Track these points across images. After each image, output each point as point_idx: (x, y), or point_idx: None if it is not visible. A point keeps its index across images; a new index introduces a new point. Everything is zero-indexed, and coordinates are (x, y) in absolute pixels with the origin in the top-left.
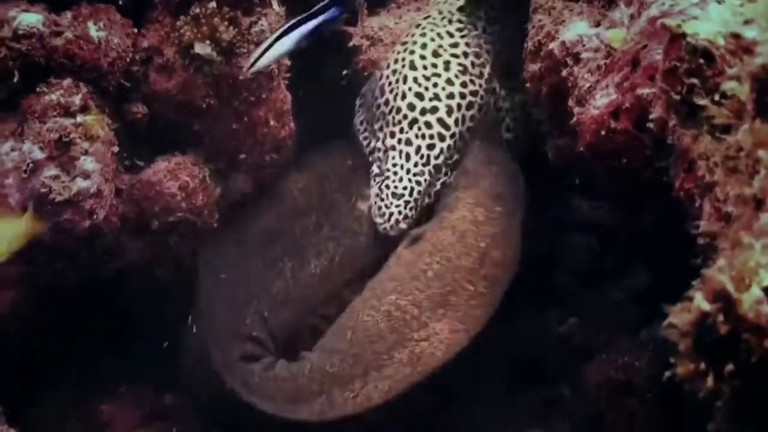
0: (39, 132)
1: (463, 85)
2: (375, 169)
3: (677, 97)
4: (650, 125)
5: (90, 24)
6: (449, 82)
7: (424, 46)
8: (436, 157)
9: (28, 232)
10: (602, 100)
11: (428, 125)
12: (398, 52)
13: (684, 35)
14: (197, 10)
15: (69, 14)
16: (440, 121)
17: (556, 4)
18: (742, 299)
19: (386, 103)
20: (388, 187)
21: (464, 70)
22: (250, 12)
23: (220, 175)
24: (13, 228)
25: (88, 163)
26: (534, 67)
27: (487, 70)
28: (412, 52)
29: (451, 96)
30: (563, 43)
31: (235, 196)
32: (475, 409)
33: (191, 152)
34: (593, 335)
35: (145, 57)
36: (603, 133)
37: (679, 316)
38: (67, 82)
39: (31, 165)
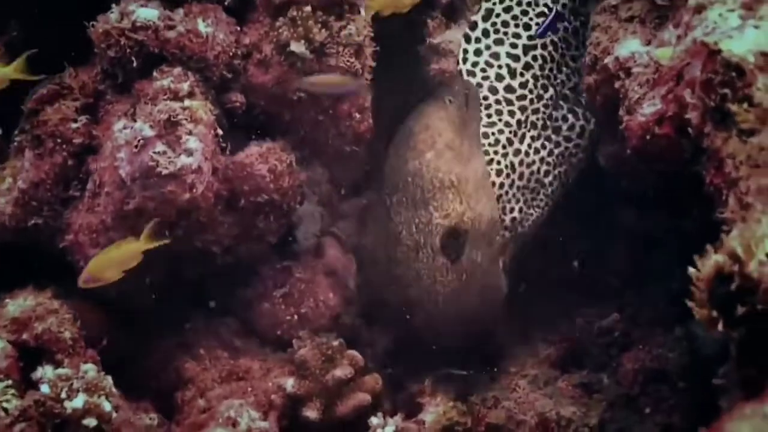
0: (150, 112)
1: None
2: None
3: (711, 104)
4: (689, 131)
5: (199, 20)
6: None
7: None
8: None
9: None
10: (649, 109)
11: None
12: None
13: (719, 51)
14: (294, 13)
15: (181, 11)
16: None
17: (612, 23)
18: (749, 261)
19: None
20: None
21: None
22: (340, 17)
23: (304, 162)
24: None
25: (191, 142)
26: (590, 80)
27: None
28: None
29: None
30: (617, 58)
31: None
32: (520, 382)
33: (281, 139)
34: (632, 329)
35: (245, 52)
36: (648, 137)
37: (699, 272)
38: (177, 70)
39: (141, 141)
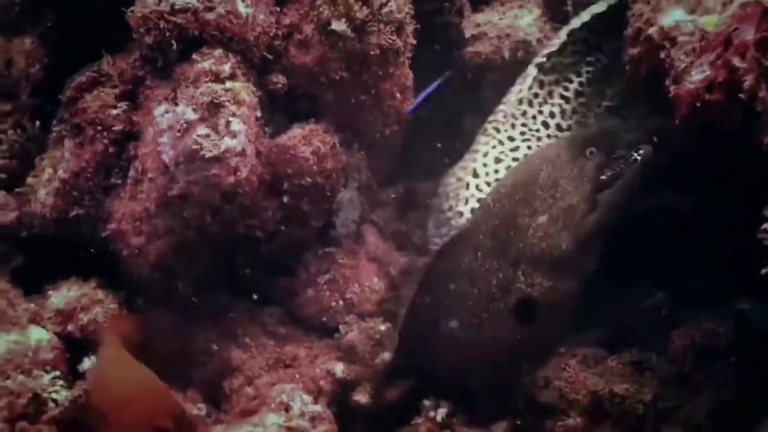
0: (192, 95)
1: None
2: None
3: (767, 64)
4: (741, 95)
5: (239, 1)
6: None
7: (485, 154)
8: None
9: None
10: (697, 76)
11: None
12: (464, 160)
13: None
14: None
15: None
16: None
17: None
18: None
19: (450, 209)
20: None
21: None
22: None
23: (344, 147)
24: None
25: (235, 125)
26: (633, 51)
27: None
28: (474, 160)
29: None
30: (661, 28)
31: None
32: (571, 362)
33: (323, 121)
34: (680, 307)
35: (286, 33)
36: (698, 104)
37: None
38: (218, 52)
39: (184, 125)
